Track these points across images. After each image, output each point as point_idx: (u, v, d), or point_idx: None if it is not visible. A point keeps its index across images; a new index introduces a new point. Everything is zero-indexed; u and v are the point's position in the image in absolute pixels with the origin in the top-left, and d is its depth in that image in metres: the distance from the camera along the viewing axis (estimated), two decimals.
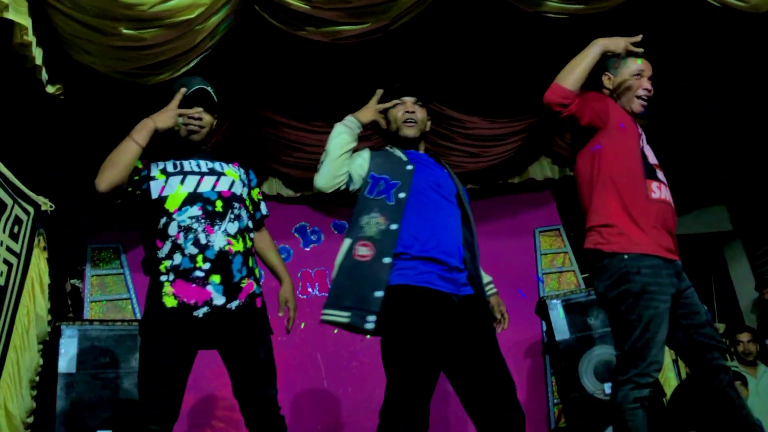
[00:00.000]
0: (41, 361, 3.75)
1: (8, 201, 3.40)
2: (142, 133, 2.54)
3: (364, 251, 2.53)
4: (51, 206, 3.80)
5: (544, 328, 4.91)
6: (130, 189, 2.58)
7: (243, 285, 2.63)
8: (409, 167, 2.70)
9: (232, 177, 2.76)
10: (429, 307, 2.44)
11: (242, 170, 2.88)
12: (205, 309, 2.50)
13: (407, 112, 2.81)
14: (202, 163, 2.74)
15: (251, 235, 2.78)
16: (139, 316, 4.66)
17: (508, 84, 4.75)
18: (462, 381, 2.46)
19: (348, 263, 2.54)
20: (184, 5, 3.14)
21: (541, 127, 5.39)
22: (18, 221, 3.53)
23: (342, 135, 2.73)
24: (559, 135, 5.51)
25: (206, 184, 2.66)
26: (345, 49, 3.91)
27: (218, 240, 2.55)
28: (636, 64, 2.87)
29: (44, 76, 3.37)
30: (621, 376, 2.57)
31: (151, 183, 2.63)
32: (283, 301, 3.01)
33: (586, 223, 2.83)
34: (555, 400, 5.15)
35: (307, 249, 5.56)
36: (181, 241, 2.53)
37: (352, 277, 2.51)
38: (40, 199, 3.76)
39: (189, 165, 2.71)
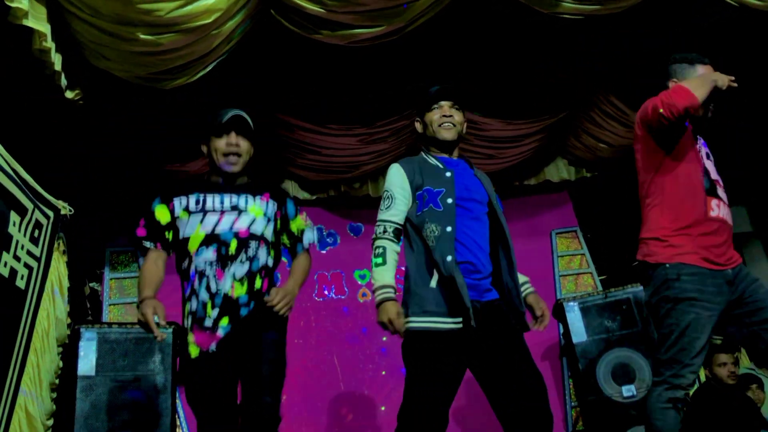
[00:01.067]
0: (61, 364, 3.79)
1: (29, 205, 3.43)
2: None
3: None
4: (70, 210, 3.84)
5: (561, 330, 4.89)
6: (168, 235, 2.67)
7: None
8: (448, 174, 2.73)
9: (254, 214, 2.69)
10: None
11: (274, 203, 2.79)
12: (213, 345, 2.55)
13: (444, 115, 2.79)
14: (226, 199, 2.69)
15: (267, 274, 2.70)
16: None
17: (523, 85, 4.75)
18: (487, 381, 2.49)
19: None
20: (200, 10, 3.17)
21: (558, 128, 5.37)
22: (38, 225, 3.56)
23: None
24: (575, 136, 5.49)
25: (225, 224, 2.63)
26: (360, 51, 3.92)
27: (226, 285, 2.55)
28: (704, 70, 2.78)
29: (63, 81, 3.40)
30: (656, 377, 2.61)
31: (178, 222, 2.67)
32: (279, 289, 2.68)
33: (640, 233, 2.86)
34: (572, 403, 5.12)
35: (324, 252, 5.57)
36: (197, 286, 2.56)
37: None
38: (60, 203, 3.79)
39: (211, 202, 2.67)
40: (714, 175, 2.77)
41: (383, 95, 4.67)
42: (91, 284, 4.85)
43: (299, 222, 2.87)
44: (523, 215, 5.90)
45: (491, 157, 5.38)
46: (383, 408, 4.96)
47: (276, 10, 3.61)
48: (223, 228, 2.61)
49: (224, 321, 2.55)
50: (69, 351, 3.85)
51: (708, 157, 2.81)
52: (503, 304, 2.59)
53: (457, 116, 2.82)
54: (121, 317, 4.84)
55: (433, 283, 2.56)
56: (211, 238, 2.59)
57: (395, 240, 2.75)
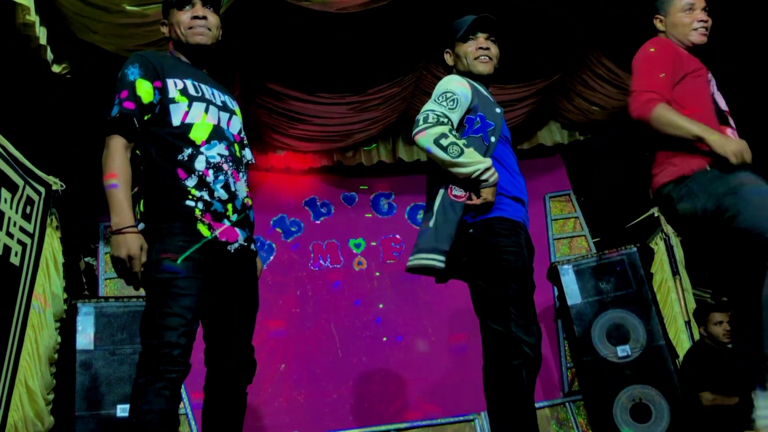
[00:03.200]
0: (59, 339, 3.81)
1: (19, 182, 3.42)
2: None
3: (458, 192, 2.51)
4: (62, 186, 3.82)
5: (556, 293, 4.92)
6: (147, 117, 2.26)
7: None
8: (498, 110, 2.64)
9: (239, 118, 2.50)
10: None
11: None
12: (236, 245, 2.30)
13: (481, 48, 2.67)
14: (217, 93, 2.43)
15: None
16: None
17: (515, 49, 4.71)
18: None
19: (444, 206, 2.51)
20: None
21: (550, 91, 5.35)
22: (30, 201, 3.55)
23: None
24: (567, 99, 5.47)
25: (224, 122, 2.39)
26: (349, 18, 3.88)
27: (242, 190, 2.34)
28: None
29: (49, 55, 3.36)
30: None
31: (171, 106, 2.28)
32: None
33: (653, 166, 2.69)
34: (568, 364, 5.18)
35: (318, 222, 5.57)
36: (210, 179, 2.24)
37: (447, 219, 2.49)
38: (51, 179, 3.78)
39: (209, 92, 2.39)
40: (723, 105, 2.72)
41: (374, 62, 4.63)
42: (86, 259, 4.85)
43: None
44: None
45: None
46: (381, 374, 5.01)
47: None
48: (224, 125, 2.38)
49: (242, 233, 2.34)
50: (67, 326, 3.87)
51: (716, 87, 2.75)
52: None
53: (494, 49, 2.69)
54: (117, 291, 4.84)
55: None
56: (219, 132, 2.33)
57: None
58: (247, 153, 2.55)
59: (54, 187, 3.80)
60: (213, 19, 2.42)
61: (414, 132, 2.50)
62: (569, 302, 4.52)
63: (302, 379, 4.96)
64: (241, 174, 2.35)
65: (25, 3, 3.00)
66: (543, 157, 5.99)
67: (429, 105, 2.54)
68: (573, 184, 5.96)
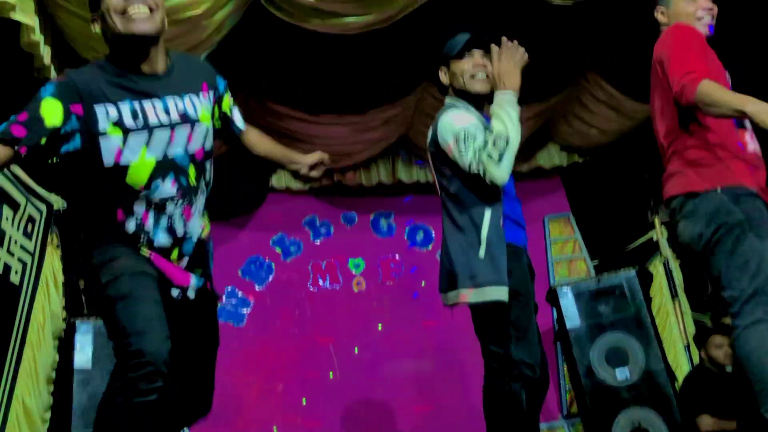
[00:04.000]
0: (57, 358, 3.79)
1: (21, 200, 3.43)
2: None
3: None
4: (63, 204, 3.83)
5: (555, 315, 4.92)
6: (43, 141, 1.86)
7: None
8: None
9: (206, 123, 2.07)
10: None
11: (210, 91, 2.15)
12: (177, 292, 2.03)
13: (477, 65, 2.56)
14: (171, 102, 1.98)
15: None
16: None
17: None
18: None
19: (493, 232, 2.45)
20: (189, 1, 3.16)
21: (548, 114, 5.38)
22: (31, 220, 3.56)
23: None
24: (566, 122, 5.49)
25: (178, 143, 1.98)
26: (351, 39, 3.91)
27: (196, 227, 2.05)
28: None
29: (53, 74, 3.39)
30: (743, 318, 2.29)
31: (101, 140, 1.89)
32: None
33: (666, 172, 2.54)
34: (567, 387, 5.16)
35: (317, 242, 5.57)
36: (149, 226, 1.96)
37: (500, 248, 2.45)
38: (53, 197, 3.79)
39: (153, 110, 1.94)
40: None
41: (375, 83, 4.67)
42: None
43: (228, 103, 2.28)
44: None
45: None
46: (378, 394, 4.99)
47: (266, 0, 3.60)
48: (177, 149, 1.97)
49: (197, 272, 2.09)
50: (65, 344, 3.85)
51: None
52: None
53: (490, 67, 2.52)
54: None
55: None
56: (166, 165, 1.95)
57: None
58: (238, 123, 2.30)
59: (55, 206, 3.80)
60: None
61: (486, 176, 2.35)
62: (568, 325, 4.50)
63: (299, 401, 4.94)
64: (195, 206, 2.03)
65: (30, 23, 3.03)
66: (542, 179, 6.00)
67: (464, 153, 2.39)
68: (572, 206, 5.97)
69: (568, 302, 4.54)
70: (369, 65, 4.44)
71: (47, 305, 3.70)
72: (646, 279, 4.73)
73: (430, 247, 5.60)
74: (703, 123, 2.40)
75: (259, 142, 2.43)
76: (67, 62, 3.49)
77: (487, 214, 2.44)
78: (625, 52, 4.53)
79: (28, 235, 3.53)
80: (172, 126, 1.97)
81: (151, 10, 1.90)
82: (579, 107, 5.27)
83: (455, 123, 2.47)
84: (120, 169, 1.92)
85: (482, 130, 2.43)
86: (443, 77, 2.68)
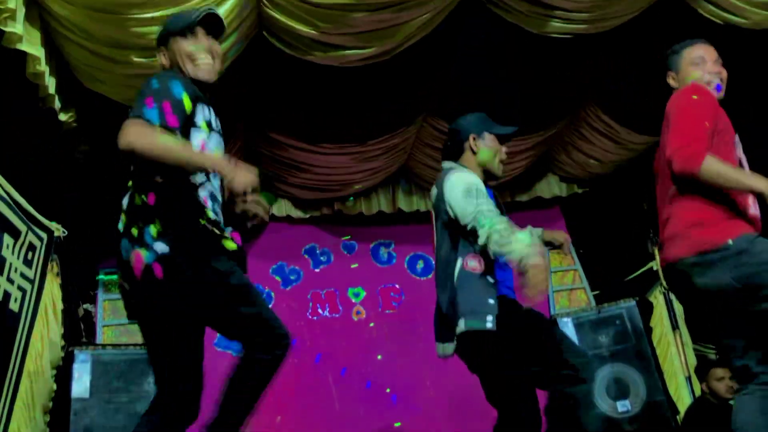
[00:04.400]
0: (54, 387, 3.77)
1: (22, 227, 3.44)
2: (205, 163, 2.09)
3: (474, 264, 2.65)
4: (64, 232, 3.84)
5: None
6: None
7: None
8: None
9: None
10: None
11: None
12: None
13: (507, 154, 3.02)
14: (217, 120, 2.34)
15: None
16: None
17: (514, 103, 4.78)
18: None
19: (462, 276, 2.65)
20: None
21: (548, 144, 5.41)
22: (32, 247, 3.57)
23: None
24: (565, 152, 5.53)
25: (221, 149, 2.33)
26: (352, 71, 3.96)
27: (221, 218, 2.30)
28: (693, 53, 2.64)
29: (57, 104, 3.43)
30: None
31: (193, 130, 2.17)
32: None
33: (668, 229, 2.53)
34: None
35: (317, 270, 5.57)
36: (209, 206, 2.19)
37: (471, 288, 2.63)
38: (53, 225, 3.80)
39: (219, 125, 2.31)
40: (746, 168, 2.56)
41: (376, 114, 4.70)
42: (84, 306, 4.84)
43: None
44: None
45: None
46: (379, 426, 4.95)
47: (268, 32, 3.65)
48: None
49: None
50: (63, 373, 3.84)
51: (740, 148, 2.62)
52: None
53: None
54: (115, 339, 4.82)
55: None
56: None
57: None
58: None
59: (56, 234, 3.82)
60: (216, 48, 2.31)
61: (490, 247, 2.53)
62: None
63: (298, 430, 4.89)
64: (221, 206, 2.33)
65: (37, 53, 3.07)
66: (542, 209, 6.02)
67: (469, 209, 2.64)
68: (572, 236, 5.95)
69: (568, 332, 4.53)
70: (370, 95, 4.48)
71: (46, 333, 3.69)
72: (646, 309, 4.72)
73: (430, 276, 5.59)
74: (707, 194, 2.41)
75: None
76: (71, 93, 3.53)
77: (458, 260, 2.73)
78: (623, 83, 4.58)
79: (28, 262, 3.53)
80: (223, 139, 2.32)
81: (214, 58, 2.28)
82: (578, 138, 5.31)
83: (467, 179, 2.78)
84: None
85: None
86: (474, 145, 2.96)
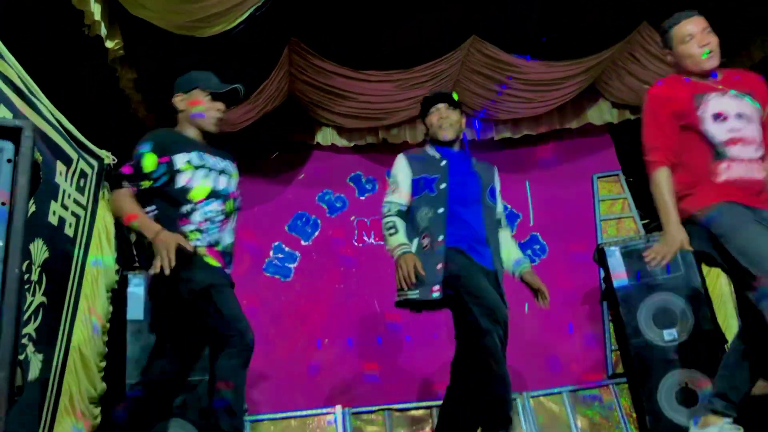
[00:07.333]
0: (111, 308, 3.92)
1: (73, 155, 3.50)
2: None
3: (425, 242, 3.02)
4: (114, 159, 3.90)
5: (602, 274, 4.86)
6: (148, 184, 2.80)
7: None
8: (443, 162, 3.16)
9: (235, 179, 3.04)
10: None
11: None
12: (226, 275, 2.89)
13: (441, 117, 3.22)
14: (218, 161, 2.97)
15: None
16: None
17: (563, 26, 4.61)
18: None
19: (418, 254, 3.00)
20: None
21: (600, 69, 5.23)
22: (83, 175, 3.64)
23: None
24: (618, 77, 5.34)
25: (222, 183, 2.93)
26: None
27: (226, 238, 2.90)
28: (681, 31, 2.82)
29: (103, 31, 3.42)
30: None
31: (178, 175, 2.81)
32: None
33: None
34: (612, 347, 5.12)
35: (362, 198, 5.59)
36: (204, 227, 2.81)
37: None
38: (103, 153, 3.86)
39: (211, 161, 2.92)
40: (725, 133, 2.71)
41: (421, 38, 4.60)
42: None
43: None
44: (564, 159, 5.82)
45: (530, 100, 5.29)
46: (428, 350, 5.02)
47: None
48: (222, 186, 2.92)
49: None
50: (118, 296, 3.98)
51: (717, 119, 2.74)
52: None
53: (454, 115, 3.24)
54: None
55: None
56: (216, 193, 2.87)
57: (401, 217, 3.13)
58: (238, 202, 3.05)
59: (106, 161, 3.88)
60: (222, 109, 2.98)
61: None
62: (615, 284, 4.44)
63: (344, 354, 5.02)
64: (229, 223, 2.92)
65: None
66: (592, 136, 5.89)
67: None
68: (622, 164, 5.84)
69: (615, 261, 4.48)
70: (416, 19, 4.37)
71: (100, 257, 3.80)
72: None
73: None
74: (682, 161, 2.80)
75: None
76: (117, 19, 3.52)
77: (414, 241, 3.17)
78: (678, 5, 4.35)
79: (80, 189, 3.61)
80: (217, 171, 2.95)
81: (221, 120, 3.01)
82: (631, 62, 5.11)
83: (394, 166, 3.34)
84: (187, 189, 2.85)
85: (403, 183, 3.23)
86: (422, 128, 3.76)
